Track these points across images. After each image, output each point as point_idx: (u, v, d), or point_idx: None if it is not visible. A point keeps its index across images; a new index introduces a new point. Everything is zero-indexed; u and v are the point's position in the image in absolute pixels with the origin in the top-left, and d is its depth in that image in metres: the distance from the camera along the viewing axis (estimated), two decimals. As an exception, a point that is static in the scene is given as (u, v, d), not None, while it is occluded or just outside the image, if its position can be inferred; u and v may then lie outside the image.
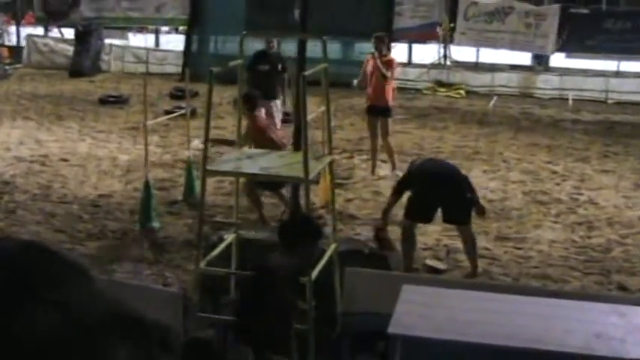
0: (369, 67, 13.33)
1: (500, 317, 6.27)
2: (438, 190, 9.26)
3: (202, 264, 7.25)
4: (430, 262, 9.80)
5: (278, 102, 14.38)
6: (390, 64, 13.28)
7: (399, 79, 17.43)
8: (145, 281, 8.99)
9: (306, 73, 7.12)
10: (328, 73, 7.39)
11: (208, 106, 6.84)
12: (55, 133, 15.96)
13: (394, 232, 10.65)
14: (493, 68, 22.56)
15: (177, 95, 18.90)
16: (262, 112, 12.17)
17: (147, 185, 10.87)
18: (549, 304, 6.72)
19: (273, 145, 10.31)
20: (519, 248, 10.42)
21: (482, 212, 9.45)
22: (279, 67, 14.41)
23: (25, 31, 26.36)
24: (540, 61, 22.92)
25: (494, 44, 22.35)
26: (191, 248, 9.96)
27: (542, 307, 6.58)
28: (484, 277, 9.40)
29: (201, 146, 14.06)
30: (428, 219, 9.51)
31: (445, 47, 22.96)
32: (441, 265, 9.79)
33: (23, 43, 25.72)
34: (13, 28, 26.86)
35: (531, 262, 10.00)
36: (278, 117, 14.30)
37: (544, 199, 12.51)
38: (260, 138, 10.68)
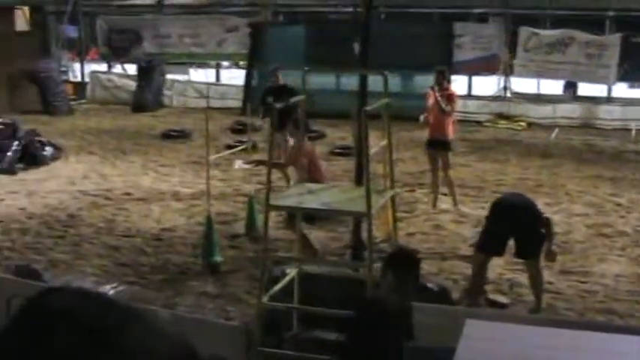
0: (430, 101, 13.30)
1: (565, 353, 6.17)
2: (511, 222, 9.21)
3: (265, 298, 7.26)
4: (493, 297, 9.71)
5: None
6: (450, 97, 13.24)
7: (459, 112, 17.37)
8: (208, 315, 9.02)
9: (368, 108, 7.15)
10: (389, 107, 7.41)
11: (271, 141, 6.88)
12: (119, 167, 16.18)
13: (456, 266, 10.62)
14: (554, 99, 22.39)
15: (238, 129, 19.07)
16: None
17: (209, 219, 10.95)
18: (616, 340, 6.61)
19: (318, 175, 10.46)
20: (584, 282, 10.28)
21: (552, 258, 9.37)
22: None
23: (89, 67, 26.81)
24: (572, 90, 22.78)
25: (555, 75, 22.22)
26: (253, 282, 10.00)
27: (608, 343, 6.48)
28: (548, 311, 9.28)
29: (244, 166, 14.20)
30: (499, 251, 9.44)
31: (505, 79, 22.85)
32: (503, 300, 9.69)
33: (87, 79, 26.16)
34: (77, 65, 27.32)
35: (596, 296, 9.85)
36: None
37: (608, 231, 12.34)
38: (307, 165, 10.72)
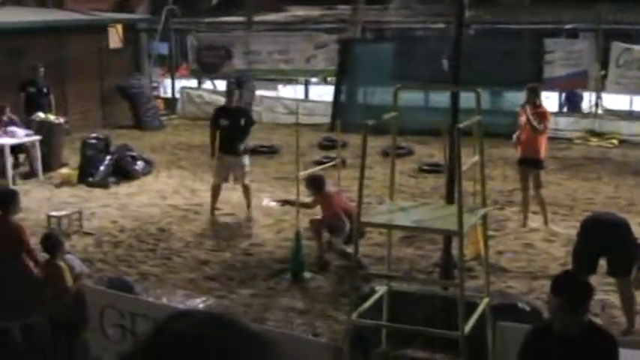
0: (523, 119, 13.15)
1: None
2: (603, 240, 9.07)
3: (354, 315, 7.26)
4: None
5: (242, 157, 14.07)
6: (543, 116, 13.06)
7: (549, 129, 17.14)
8: (296, 331, 9.06)
9: (461, 125, 7.10)
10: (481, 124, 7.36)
11: (363, 158, 6.89)
12: (208, 182, 16.29)
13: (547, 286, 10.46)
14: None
15: (327, 145, 19.13)
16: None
17: (298, 235, 11.01)
18: None
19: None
20: (680, 305, 10.03)
21: (638, 285, 9.19)
22: (242, 120, 14.07)
23: (180, 83, 27.20)
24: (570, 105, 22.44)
25: (649, 92, 21.78)
26: (341, 298, 10.02)
27: None
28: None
29: (271, 204, 14.33)
30: (590, 269, 9.28)
31: (597, 95, 22.49)
32: (596, 321, 9.52)
33: (178, 94, 26.54)
34: (168, 81, 27.75)
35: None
36: (244, 170, 14.12)
37: None
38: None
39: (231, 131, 13.85)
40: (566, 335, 5.52)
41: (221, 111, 14.34)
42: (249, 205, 14.28)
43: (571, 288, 5.62)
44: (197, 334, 1.27)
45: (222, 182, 14.12)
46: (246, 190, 14.25)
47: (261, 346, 1.30)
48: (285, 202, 13.13)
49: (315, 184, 11.83)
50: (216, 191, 14.13)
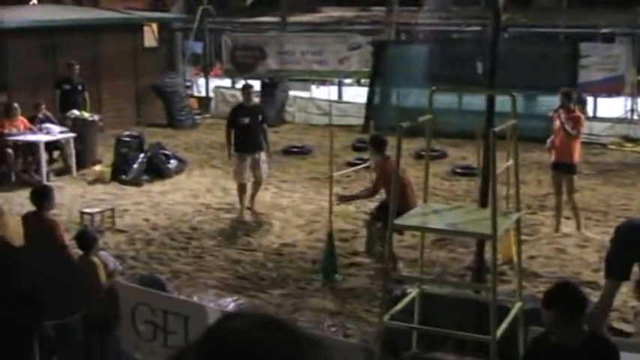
0: (557, 123, 13.07)
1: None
2: (636, 246, 8.98)
3: (385, 317, 7.26)
4: (617, 325, 9.47)
5: (263, 154, 14.17)
6: (577, 120, 12.98)
7: (584, 134, 17.02)
8: (327, 332, 9.07)
9: (496, 129, 7.08)
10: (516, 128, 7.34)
11: (398, 160, 6.89)
12: (240, 181, 16.40)
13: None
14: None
15: (360, 147, 19.12)
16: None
17: (330, 236, 11.02)
18: None
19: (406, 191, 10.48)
20: None
21: None
22: (259, 118, 14.13)
23: (214, 82, 27.30)
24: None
25: (685, 98, 21.57)
26: (372, 300, 10.02)
27: None
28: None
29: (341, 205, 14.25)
30: (623, 276, 9.20)
31: (632, 101, 22.31)
32: (628, 328, 9.45)
33: (211, 94, 26.63)
34: (202, 80, 27.85)
35: None
36: (264, 168, 14.22)
37: None
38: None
39: (252, 129, 13.97)
40: (567, 346, 5.47)
41: (240, 109, 14.34)
42: (253, 196, 14.31)
43: (564, 300, 5.53)
44: (255, 334, 1.28)
45: (249, 181, 14.16)
46: (259, 186, 14.34)
47: (315, 349, 1.31)
48: (351, 199, 12.91)
49: (378, 143, 11.32)
50: (243, 190, 14.13)
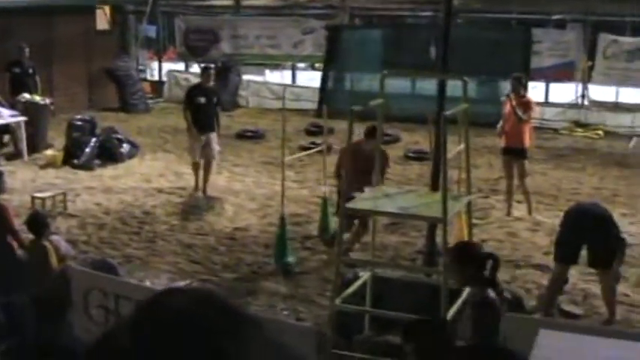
0: (507, 108, 13.18)
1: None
2: (584, 230, 9.10)
3: (337, 300, 7.28)
4: (566, 307, 9.60)
5: (214, 134, 14.45)
6: (527, 105, 13.10)
7: (535, 119, 17.16)
8: (279, 315, 9.09)
9: (447, 113, 7.12)
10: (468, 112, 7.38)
11: (349, 143, 6.90)
12: (193, 165, 16.34)
13: (530, 275, 10.54)
14: (633, 108, 21.98)
15: (313, 131, 19.14)
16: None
17: (282, 220, 11.02)
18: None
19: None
20: (660, 295, 10.11)
21: (616, 280, 9.25)
22: (215, 99, 14.47)
23: (167, 66, 27.13)
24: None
25: (635, 84, 21.80)
26: (325, 284, 10.05)
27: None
28: (622, 324, 9.15)
29: None
30: (571, 259, 9.32)
31: (583, 86, 22.53)
32: (577, 310, 9.58)
33: (165, 78, 26.47)
34: (155, 64, 27.67)
35: (674, 310, 9.69)
36: (215, 148, 14.46)
37: (687, 243, 12.11)
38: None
39: (207, 109, 14.23)
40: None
41: (196, 89, 14.67)
42: (206, 181, 14.50)
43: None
44: (193, 310, 1.27)
45: (201, 159, 14.39)
46: (209, 166, 14.49)
47: (256, 329, 1.31)
48: None
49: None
50: (197, 168, 14.43)
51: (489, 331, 5.77)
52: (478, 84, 21.33)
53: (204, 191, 14.42)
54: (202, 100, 14.22)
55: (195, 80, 24.75)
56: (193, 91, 14.57)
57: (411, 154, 17.49)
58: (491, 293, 5.87)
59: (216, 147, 14.50)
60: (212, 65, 15.99)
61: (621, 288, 9.84)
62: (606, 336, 7.04)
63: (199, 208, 13.78)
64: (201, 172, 14.47)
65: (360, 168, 9.11)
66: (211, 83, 15.15)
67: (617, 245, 9.05)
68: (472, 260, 6.03)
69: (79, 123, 17.15)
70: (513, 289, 9.48)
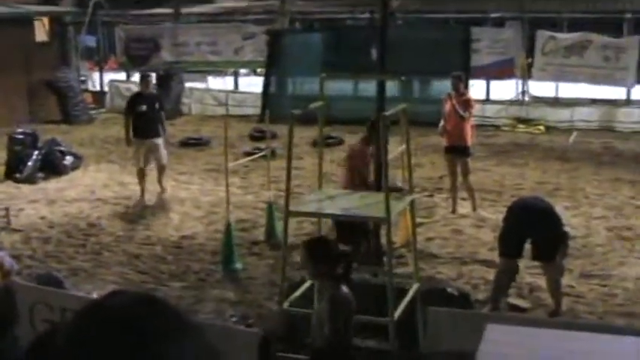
0: (447, 107, 13.30)
1: (585, 357, 6.17)
2: (527, 224, 9.20)
3: (285, 304, 7.29)
4: (513, 301, 9.70)
5: (161, 139, 14.64)
6: (467, 103, 13.23)
7: (477, 117, 17.34)
8: (228, 322, 9.06)
9: (387, 113, 7.17)
10: (407, 112, 7.43)
11: (290, 147, 6.92)
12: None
13: (476, 271, 10.64)
14: (573, 103, 22.32)
15: (257, 136, 19.12)
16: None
17: (228, 226, 11.01)
18: (636, 343, 6.59)
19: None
20: (604, 285, 10.27)
21: (560, 273, 9.38)
22: (157, 105, 14.61)
23: (108, 76, 26.95)
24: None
25: (573, 79, 22.13)
26: (273, 288, 10.04)
27: (628, 346, 6.47)
28: (568, 315, 9.27)
29: None
30: (516, 253, 9.42)
31: (523, 83, 22.81)
32: (524, 304, 9.69)
33: (106, 88, 26.29)
34: (96, 74, 27.47)
35: (617, 299, 9.84)
36: (163, 153, 14.66)
37: (628, 234, 12.30)
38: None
39: (150, 115, 14.34)
40: None
41: (138, 97, 14.80)
42: (160, 181, 14.77)
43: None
44: (129, 311, 1.29)
45: (147, 165, 14.54)
46: (163, 170, 14.74)
47: (191, 330, 1.33)
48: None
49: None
50: (142, 176, 14.54)
51: (342, 326, 5.94)
52: (420, 84, 21.52)
53: (162, 191, 14.78)
54: (144, 107, 14.34)
55: (136, 90, 24.78)
56: (134, 100, 14.69)
57: (355, 156, 17.50)
58: (345, 289, 5.99)
59: (164, 151, 14.66)
60: (150, 73, 15.93)
61: (566, 280, 9.98)
62: (553, 327, 7.14)
63: (147, 208, 13.95)
64: (149, 179, 14.67)
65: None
66: (151, 89, 15.29)
67: (560, 238, 9.16)
68: (325, 257, 6.13)
69: (20, 136, 16.95)
70: (460, 286, 9.56)
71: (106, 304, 1.31)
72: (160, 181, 14.76)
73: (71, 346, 1.23)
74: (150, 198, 14.65)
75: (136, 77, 26.64)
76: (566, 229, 9.40)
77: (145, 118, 14.30)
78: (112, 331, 1.24)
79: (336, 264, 6.10)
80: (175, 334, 1.28)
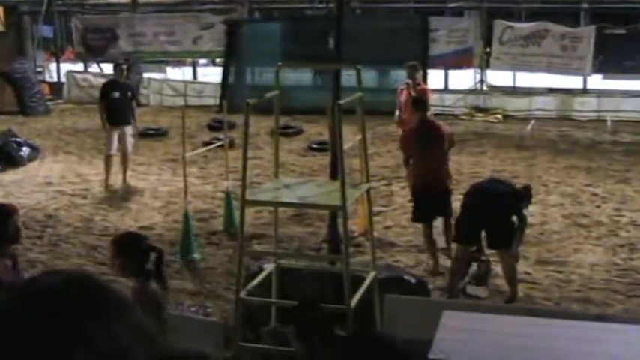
0: (403, 97, 13.33)
1: (542, 342, 6.24)
2: (481, 212, 9.23)
3: (243, 293, 7.29)
4: (470, 290, 9.77)
5: (130, 128, 14.89)
6: (423, 92, 13.27)
7: (435, 106, 17.41)
8: (187, 312, 9.05)
9: (342, 101, 7.18)
10: (364, 101, 7.45)
11: (245, 137, 6.91)
12: (96, 166, 16.13)
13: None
14: (530, 92, 22.49)
15: (216, 127, 19.05)
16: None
17: (186, 217, 10.99)
18: (592, 328, 6.68)
19: None
20: (560, 272, 10.37)
21: (515, 259, 9.45)
22: (129, 94, 14.96)
23: (65, 67, 26.72)
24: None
25: (530, 68, 22.28)
26: (232, 278, 10.01)
27: (584, 331, 6.55)
28: (525, 301, 9.36)
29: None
30: (471, 241, 9.47)
31: (481, 72, 22.93)
32: (482, 294, 9.74)
33: (63, 78, 26.08)
34: (53, 65, 27.23)
35: (573, 285, 9.94)
36: (130, 141, 14.87)
37: (584, 222, 12.44)
38: None
39: (122, 103, 14.60)
40: None
41: (111, 84, 15.09)
42: (125, 171, 14.90)
43: (299, 318, 5.58)
44: (61, 289, 1.28)
45: (115, 152, 14.68)
46: (126, 158, 14.86)
47: (123, 309, 1.32)
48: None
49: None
50: (109, 163, 14.69)
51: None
52: (378, 73, 21.57)
53: (124, 180, 14.85)
54: (117, 94, 14.60)
55: (94, 80, 24.64)
56: (108, 87, 14.99)
57: (313, 146, 17.56)
58: (153, 284, 5.88)
59: (131, 140, 14.83)
60: (122, 62, 16.15)
61: (522, 266, 10.07)
62: (509, 314, 7.22)
63: (119, 197, 14.06)
64: (115, 166, 14.81)
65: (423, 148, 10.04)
66: (124, 78, 15.57)
67: (514, 225, 9.22)
68: (134, 252, 6.01)
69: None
70: (416, 274, 9.61)
71: (37, 281, 1.31)
72: (124, 168, 14.89)
73: None
74: (111, 185, 14.71)
75: (94, 67, 26.59)
76: (525, 212, 9.45)
77: (116, 105, 14.56)
78: (38, 308, 1.24)
79: (145, 259, 5.96)
80: (109, 314, 1.28)
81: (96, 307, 1.27)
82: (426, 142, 10.55)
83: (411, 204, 11.08)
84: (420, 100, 11.45)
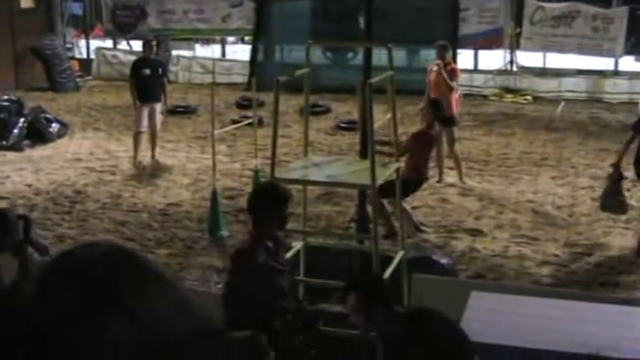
0: (432, 76, 13.28)
1: (569, 324, 6.22)
2: None
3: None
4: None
5: (159, 105, 15.04)
6: (453, 72, 13.21)
7: (464, 86, 17.33)
8: (214, 289, 9.08)
9: (372, 80, 7.15)
10: (394, 80, 7.42)
11: (275, 114, 6.90)
12: (125, 143, 16.20)
13: (462, 239, 10.69)
14: (560, 73, 22.30)
15: (244, 105, 19.04)
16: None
17: (214, 194, 11.01)
18: (619, 311, 6.65)
19: None
20: (589, 255, 10.31)
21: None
22: (160, 71, 15.12)
23: (95, 43, 26.78)
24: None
25: (561, 49, 22.09)
26: (259, 256, 10.05)
27: (611, 314, 6.52)
28: (553, 284, 9.32)
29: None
30: None
31: (511, 53, 22.77)
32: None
33: (93, 55, 26.13)
34: (82, 42, 27.30)
35: (601, 269, 9.89)
36: (159, 118, 15.03)
37: (614, 205, 12.33)
38: None
39: (152, 80, 14.77)
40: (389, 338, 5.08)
41: (141, 61, 15.22)
42: (154, 147, 15.02)
43: (363, 286, 5.35)
44: (97, 262, 1.28)
45: (144, 129, 14.77)
46: (155, 136, 15.01)
47: (160, 283, 1.31)
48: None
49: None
50: (138, 140, 14.80)
51: None
52: (407, 53, 21.47)
53: (152, 157, 15.00)
54: (147, 71, 14.76)
55: (123, 57, 24.69)
56: (138, 63, 15.14)
57: (342, 124, 17.52)
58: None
59: (160, 117, 15.01)
60: (150, 38, 16.32)
61: (551, 249, 10.04)
62: (537, 296, 7.20)
63: (145, 168, 14.50)
64: (144, 143, 14.93)
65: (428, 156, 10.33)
66: (155, 55, 15.91)
67: None
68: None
69: (5, 103, 16.88)
70: (445, 254, 9.60)
71: (75, 254, 1.30)
72: (152, 145, 15.00)
73: (37, 295, 1.23)
74: (140, 161, 14.82)
75: (123, 44, 26.63)
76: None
77: (147, 82, 14.72)
78: (79, 282, 1.23)
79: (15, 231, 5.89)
80: (148, 287, 1.27)
81: (135, 281, 1.26)
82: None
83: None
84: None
